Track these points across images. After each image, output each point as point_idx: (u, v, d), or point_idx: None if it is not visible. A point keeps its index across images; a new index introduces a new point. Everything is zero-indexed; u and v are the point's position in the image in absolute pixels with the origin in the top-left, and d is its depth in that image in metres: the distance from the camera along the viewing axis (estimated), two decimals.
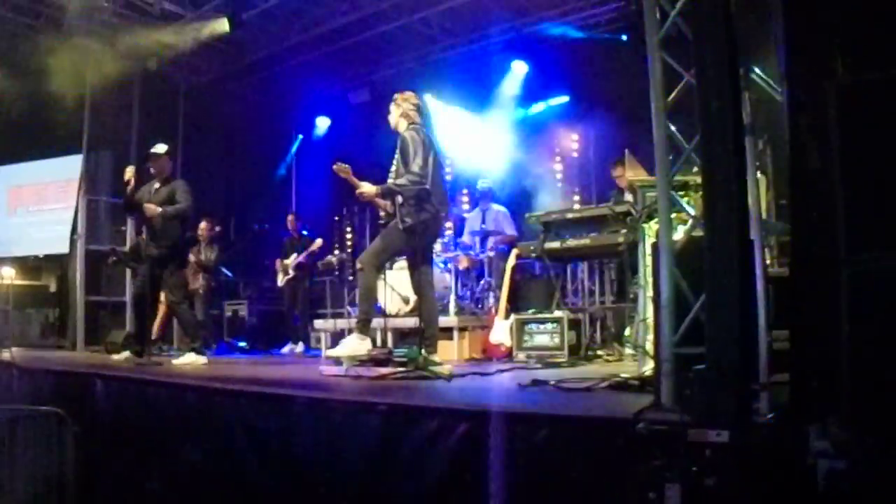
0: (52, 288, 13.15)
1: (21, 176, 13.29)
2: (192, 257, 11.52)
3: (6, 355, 9.15)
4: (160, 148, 8.62)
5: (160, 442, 5.61)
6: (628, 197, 7.82)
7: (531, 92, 12.61)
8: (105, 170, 12.68)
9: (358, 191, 6.56)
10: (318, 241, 11.70)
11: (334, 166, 6.55)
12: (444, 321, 7.85)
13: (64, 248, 12.31)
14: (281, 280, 11.90)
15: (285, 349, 11.52)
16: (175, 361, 8.14)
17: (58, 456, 6.24)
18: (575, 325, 7.74)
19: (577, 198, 12.06)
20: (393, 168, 6.56)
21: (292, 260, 11.65)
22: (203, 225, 11.73)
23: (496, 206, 10.81)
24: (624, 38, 11.21)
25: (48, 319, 13.02)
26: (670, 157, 3.70)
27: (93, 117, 12.19)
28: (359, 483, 4.19)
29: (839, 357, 2.90)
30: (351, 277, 12.88)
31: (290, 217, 12.34)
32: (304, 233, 12.05)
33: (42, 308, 13.07)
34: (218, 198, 13.62)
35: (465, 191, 12.75)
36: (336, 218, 14.89)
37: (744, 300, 2.94)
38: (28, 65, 10.80)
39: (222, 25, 11.57)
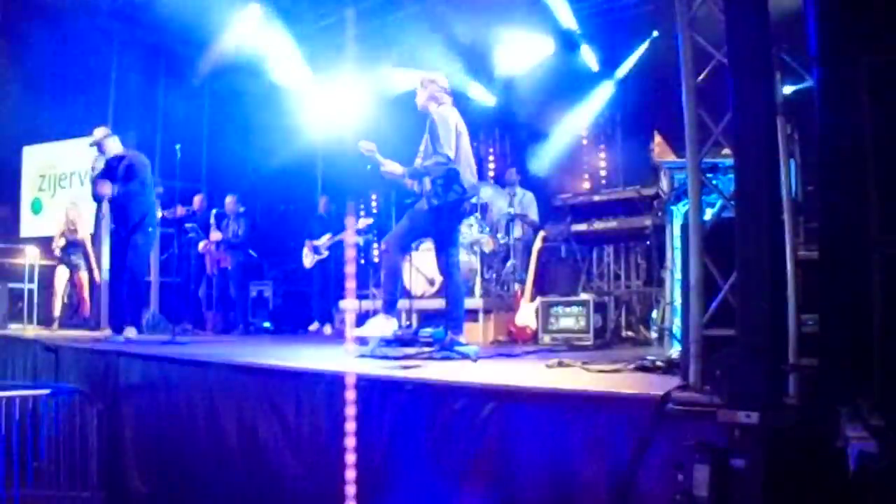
0: None
1: (46, 156, 13.37)
2: (219, 234, 11.56)
3: (30, 333, 9.27)
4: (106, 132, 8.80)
5: (183, 420, 5.67)
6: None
7: None
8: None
9: (383, 168, 6.54)
10: (365, 221, 11.36)
11: (359, 143, 6.53)
12: (469, 303, 7.83)
13: (88, 229, 12.36)
14: (311, 262, 11.82)
15: (312, 327, 11.54)
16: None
17: (80, 433, 6.31)
18: (601, 308, 7.71)
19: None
20: (421, 148, 6.53)
21: (327, 240, 11.55)
22: (229, 199, 11.74)
23: (522, 190, 10.75)
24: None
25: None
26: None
27: (118, 98, 12.25)
28: (385, 460, 4.21)
29: (870, 339, 2.88)
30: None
31: (322, 199, 12.30)
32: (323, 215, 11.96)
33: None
34: (243, 178, 13.61)
35: (490, 174, 12.68)
36: (362, 199, 14.83)
37: (776, 281, 2.92)
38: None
39: (254, 12, 11.60)
